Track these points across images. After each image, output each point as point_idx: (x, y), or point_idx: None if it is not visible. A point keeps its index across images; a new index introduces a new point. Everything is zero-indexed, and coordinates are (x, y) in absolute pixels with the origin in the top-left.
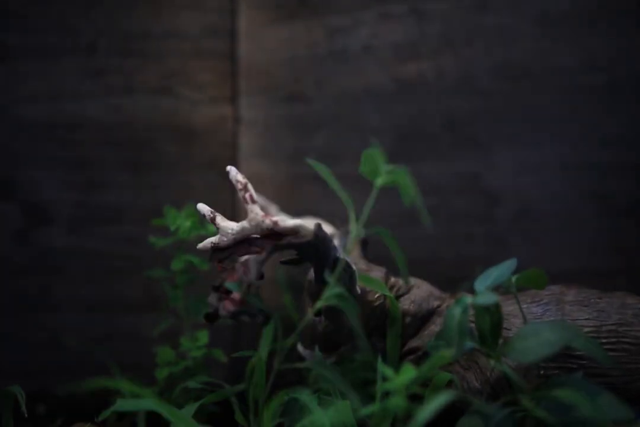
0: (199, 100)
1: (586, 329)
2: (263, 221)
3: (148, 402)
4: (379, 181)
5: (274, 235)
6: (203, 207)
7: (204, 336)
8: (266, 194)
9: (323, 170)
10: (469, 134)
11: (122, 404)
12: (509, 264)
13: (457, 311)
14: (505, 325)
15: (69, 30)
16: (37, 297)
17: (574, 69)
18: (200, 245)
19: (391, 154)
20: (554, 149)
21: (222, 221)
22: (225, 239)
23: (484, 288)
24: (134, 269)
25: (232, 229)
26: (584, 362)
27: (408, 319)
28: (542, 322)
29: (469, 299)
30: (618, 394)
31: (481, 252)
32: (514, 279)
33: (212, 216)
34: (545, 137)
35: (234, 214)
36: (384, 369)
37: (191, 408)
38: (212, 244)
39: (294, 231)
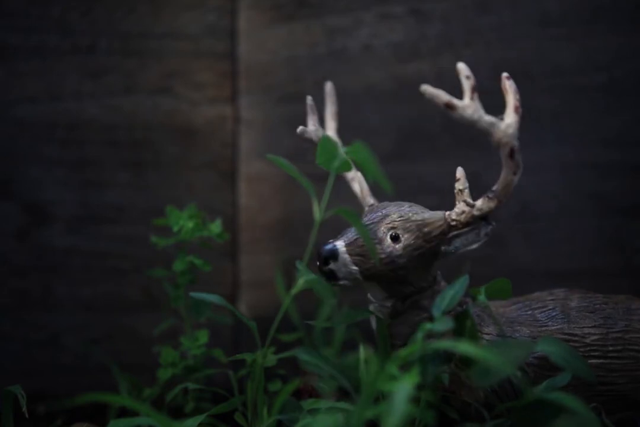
0: (199, 100)
1: (593, 337)
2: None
3: (143, 419)
4: (335, 165)
5: None
6: (461, 173)
7: (204, 336)
8: (266, 193)
9: (285, 166)
10: (469, 134)
11: (115, 424)
12: (462, 282)
13: (419, 336)
14: (510, 333)
15: (69, 30)
16: (36, 296)
17: (574, 69)
18: None
19: (391, 154)
20: (554, 149)
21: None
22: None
23: (440, 313)
24: (133, 268)
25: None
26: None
27: (425, 314)
28: (498, 342)
29: (429, 325)
30: (625, 402)
31: (481, 252)
32: (482, 290)
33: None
34: (545, 137)
35: (234, 215)
36: (390, 368)
37: (194, 421)
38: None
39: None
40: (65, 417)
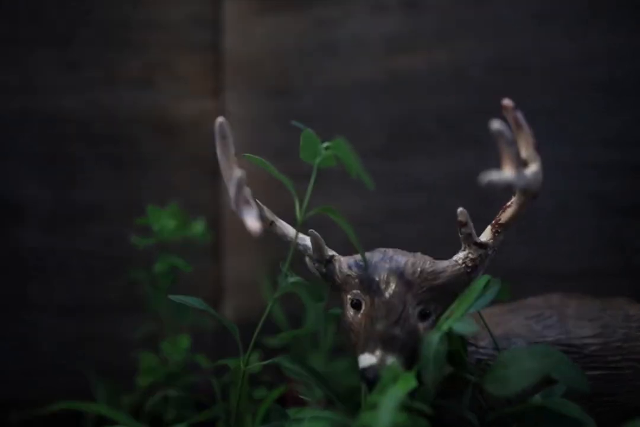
0: (182, 93)
1: (592, 348)
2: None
3: None
4: (317, 160)
5: None
6: (464, 216)
7: (184, 340)
8: (253, 191)
9: (264, 164)
10: (465, 130)
11: None
12: (495, 284)
13: (434, 339)
14: (505, 345)
15: (43, 20)
16: (12, 298)
17: (572, 64)
18: None
19: (383, 151)
20: (554, 149)
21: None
22: None
23: (462, 311)
24: (113, 269)
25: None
26: (591, 382)
27: None
28: (523, 348)
29: (447, 324)
30: (624, 410)
31: None
32: None
33: None
34: (544, 136)
35: (218, 214)
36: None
37: None
38: None
39: None
40: (39, 425)
